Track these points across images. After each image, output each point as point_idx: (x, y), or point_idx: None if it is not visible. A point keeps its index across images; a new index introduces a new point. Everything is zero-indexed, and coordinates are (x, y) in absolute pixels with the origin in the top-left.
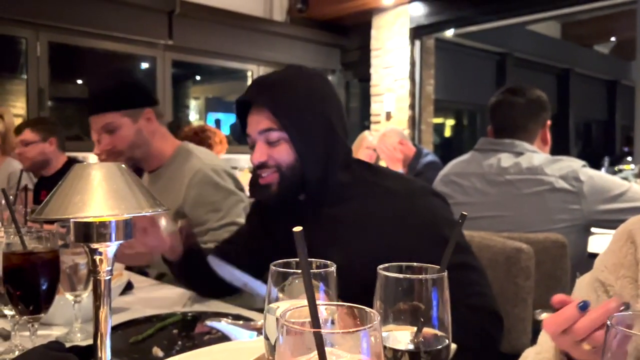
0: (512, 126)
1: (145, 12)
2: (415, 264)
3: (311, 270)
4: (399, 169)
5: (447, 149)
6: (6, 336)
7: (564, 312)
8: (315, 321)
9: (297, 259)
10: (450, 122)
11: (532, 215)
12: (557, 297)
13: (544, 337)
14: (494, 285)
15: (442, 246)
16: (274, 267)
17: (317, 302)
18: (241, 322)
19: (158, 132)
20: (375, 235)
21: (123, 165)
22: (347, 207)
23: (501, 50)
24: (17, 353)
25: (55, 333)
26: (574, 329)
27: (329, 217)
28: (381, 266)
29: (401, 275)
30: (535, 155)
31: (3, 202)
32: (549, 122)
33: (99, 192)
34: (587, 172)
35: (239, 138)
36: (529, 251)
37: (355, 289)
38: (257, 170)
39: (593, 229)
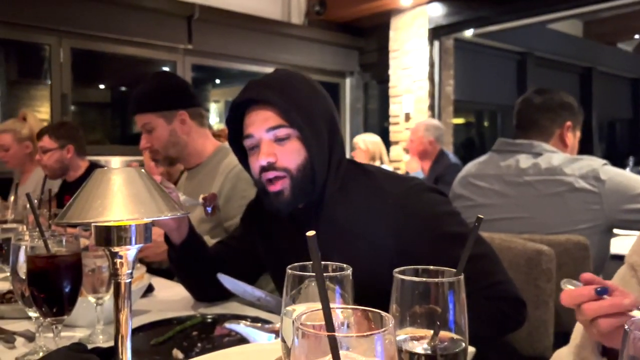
0: (526, 122)
1: (165, 17)
2: (431, 267)
3: (327, 274)
4: (423, 163)
5: (468, 150)
6: (30, 337)
7: (583, 289)
8: (329, 325)
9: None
10: (471, 123)
11: (552, 217)
12: (586, 275)
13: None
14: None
15: (443, 242)
16: (290, 270)
17: (333, 305)
18: (259, 324)
19: (195, 132)
20: (374, 237)
21: (142, 170)
22: (343, 209)
23: (522, 50)
24: (41, 354)
25: (78, 335)
26: (583, 308)
27: (326, 220)
28: (397, 269)
29: (417, 279)
30: (555, 155)
31: (28, 206)
32: (568, 124)
33: (119, 197)
34: (608, 171)
35: None
36: (550, 253)
37: (356, 293)
38: (263, 173)
39: (616, 230)
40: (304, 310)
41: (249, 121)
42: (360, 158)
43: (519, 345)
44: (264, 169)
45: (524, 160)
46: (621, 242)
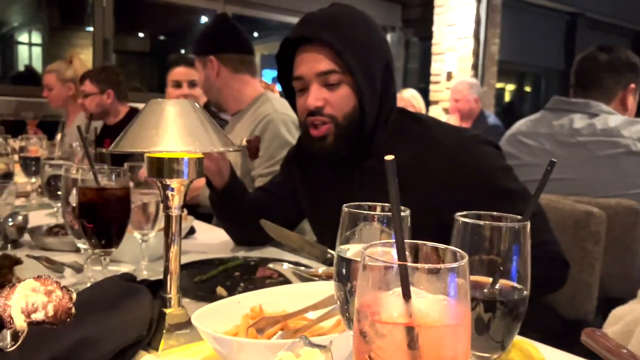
0: (590, 81)
1: None
2: (494, 213)
3: (384, 213)
4: (462, 123)
5: (509, 112)
6: (79, 269)
7: None
8: (401, 254)
9: (372, 203)
10: (513, 85)
11: (604, 179)
12: None
13: None
14: None
15: (497, 197)
16: (346, 209)
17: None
18: (302, 268)
19: (230, 78)
20: (425, 189)
21: (196, 103)
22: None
23: (572, 10)
24: (89, 284)
25: (123, 269)
26: None
27: (373, 171)
28: (459, 213)
29: (481, 222)
30: (612, 116)
31: (75, 144)
32: (632, 86)
33: (173, 128)
34: None
35: None
36: (600, 215)
37: None
38: (309, 117)
39: None
40: (370, 244)
41: (300, 61)
42: None
43: (560, 307)
44: (311, 113)
45: (578, 120)
46: None
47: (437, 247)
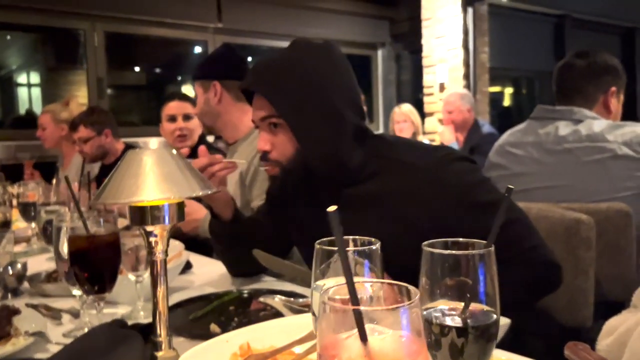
0: (571, 89)
1: None
2: (461, 239)
3: (356, 248)
4: (457, 134)
5: (506, 118)
6: (76, 314)
7: None
8: (353, 299)
9: (345, 237)
10: (508, 91)
11: (593, 184)
12: None
13: None
14: None
15: (475, 212)
16: (318, 245)
17: (360, 279)
18: (292, 299)
19: (231, 105)
20: (399, 213)
21: (174, 150)
22: (366, 186)
23: (559, 12)
24: (86, 329)
25: (120, 311)
26: None
27: (348, 197)
28: (426, 242)
29: (446, 252)
30: (596, 121)
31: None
32: (613, 89)
33: (151, 177)
34: None
35: None
36: (589, 221)
37: (390, 269)
38: (261, 159)
39: None
40: (330, 285)
41: (252, 107)
42: (408, 131)
43: (558, 314)
44: (262, 156)
45: (564, 127)
46: None
47: (394, 285)
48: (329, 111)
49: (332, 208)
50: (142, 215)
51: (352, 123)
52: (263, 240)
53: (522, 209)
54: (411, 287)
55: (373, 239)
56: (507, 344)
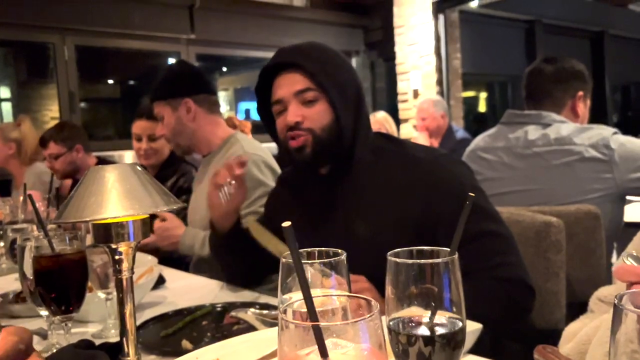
0: (539, 93)
1: (166, 9)
2: (425, 247)
3: (322, 260)
4: (432, 140)
5: (481, 123)
6: (44, 335)
7: None
8: (312, 314)
9: (310, 249)
10: (482, 95)
11: (562, 187)
12: None
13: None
14: (524, 260)
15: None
16: (284, 260)
17: (327, 291)
18: (265, 312)
19: (204, 119)
20: (401, 203)
21: (137, 166)
22: (371, 177)
23: (529, 18)
24: (54, 350)
25: (90, 330)
26: None
27: (353, 188)
28: (390, 252)
29: (410, 261)
30: (564, 125)
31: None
32: (580, 94)
33: (113, 194)
34: (618, 139)
35: None
36: (559, 224)
37: (382, 261)
38: (288, 132)
39: (630, 197)
40: (293, 300)
41: (278, 86)
42: None
43: (531, 318)
44: (290, 129)
45: (533, 132)
46: (636, 209)
47: (356, 298)
48: (357, 93)
49: (286, 224)
50: (106, 233)
51: (367, 114)
52: (259, 251)
53: (508, 227)
54: (372, 301)
55: (339, 250)
56: (487, 349)
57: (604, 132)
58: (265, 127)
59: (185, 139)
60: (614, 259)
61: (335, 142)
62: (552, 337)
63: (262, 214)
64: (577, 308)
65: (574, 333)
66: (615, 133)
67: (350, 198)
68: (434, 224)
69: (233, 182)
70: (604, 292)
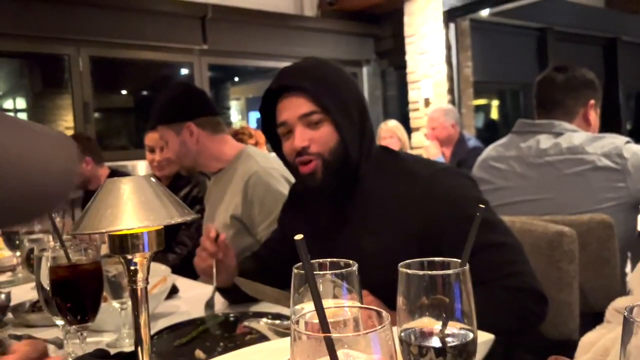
0: (550, 102)
1: (178, 20)
2: (437, 258)
3: (333, 271)
4: (443, 149)
5: (493, 131)
6: (60, 344)
7: None
8: (324, 326)
9: (322, 260)
10: (494, 103)
11: (575, 196)
12: None
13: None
14: (537, 270)
15: (463, 224)
16: (296, 270)
17: (339, 302)
18: (278, 322)
19: (209, 140)
20: (403, 218)
21: (152, 178)
22: (375, 191)
23: (541, 26)
24: None
25: (105, 339)
26: None
27: (358, 203)
28: (402, 263)
29: (421, 272)
30: (576, 134)
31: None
32: (592, 102)
33: (129, 205)
34: (630, 148)
35: None
36: (572, 234)
37: (391, 274)
38: (297, 157)
39: None
40: (305, 311)
41: (282, 108)
42: (394, 147)
43: (544, 328)
44: (299, 154)
45: (545, 141)
46: None
47: (366, 309)
48: (361, 110)
49: (298, 236)
50: (121, 244)
51: (372, 129)
52: (275, 267)
53: (515, 235)
54: (383, 312)
55: (351, 261)
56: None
57: (617, 141)
58: (271, 146)
59: (190, 160)
60: (627, 268)
61: (342, 163)
62: (566, 347)
63: (274, 230)
64: (591, 318)
65: (591, 343)
66: (628, 142)
67: (356, 212)
68: (436, 238)
69: (220, 254)
70: (621, 303)
